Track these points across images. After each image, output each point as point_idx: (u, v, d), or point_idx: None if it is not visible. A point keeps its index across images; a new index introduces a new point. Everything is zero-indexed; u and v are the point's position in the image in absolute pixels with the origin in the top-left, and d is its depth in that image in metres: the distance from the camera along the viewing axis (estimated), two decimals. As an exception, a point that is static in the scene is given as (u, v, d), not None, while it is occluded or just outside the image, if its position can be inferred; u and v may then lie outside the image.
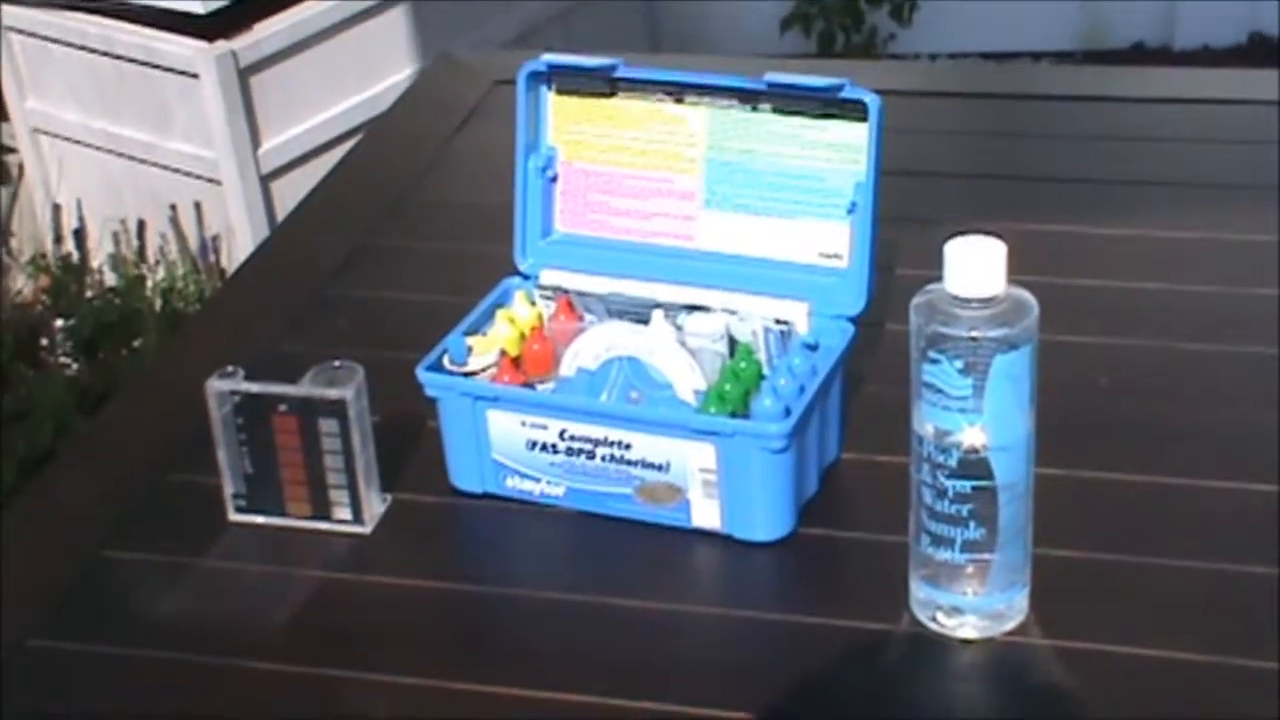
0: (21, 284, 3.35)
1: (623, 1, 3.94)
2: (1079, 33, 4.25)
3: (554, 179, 1.44)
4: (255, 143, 3.10)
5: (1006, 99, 2.09)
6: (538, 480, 1.33)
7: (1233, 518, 1.29)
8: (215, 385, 1.31)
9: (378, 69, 3.27)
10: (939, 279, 1.12)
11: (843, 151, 1.34)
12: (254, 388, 1.31)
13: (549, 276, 1.41)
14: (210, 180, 3.15)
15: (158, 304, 3.17)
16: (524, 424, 1.31)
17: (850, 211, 1.34)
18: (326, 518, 1.33)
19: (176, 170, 3.21)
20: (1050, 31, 4.24)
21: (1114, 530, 1.28)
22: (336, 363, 1.32)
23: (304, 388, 1.30)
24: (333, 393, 1.29)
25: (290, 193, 3.08)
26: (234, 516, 1.35)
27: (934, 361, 1.11)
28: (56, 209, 3.38)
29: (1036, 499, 1.16)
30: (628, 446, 1.28)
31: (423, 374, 1.33)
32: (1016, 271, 1.11)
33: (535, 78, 1.41)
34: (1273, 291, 1.55)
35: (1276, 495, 1.29)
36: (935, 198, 1.78)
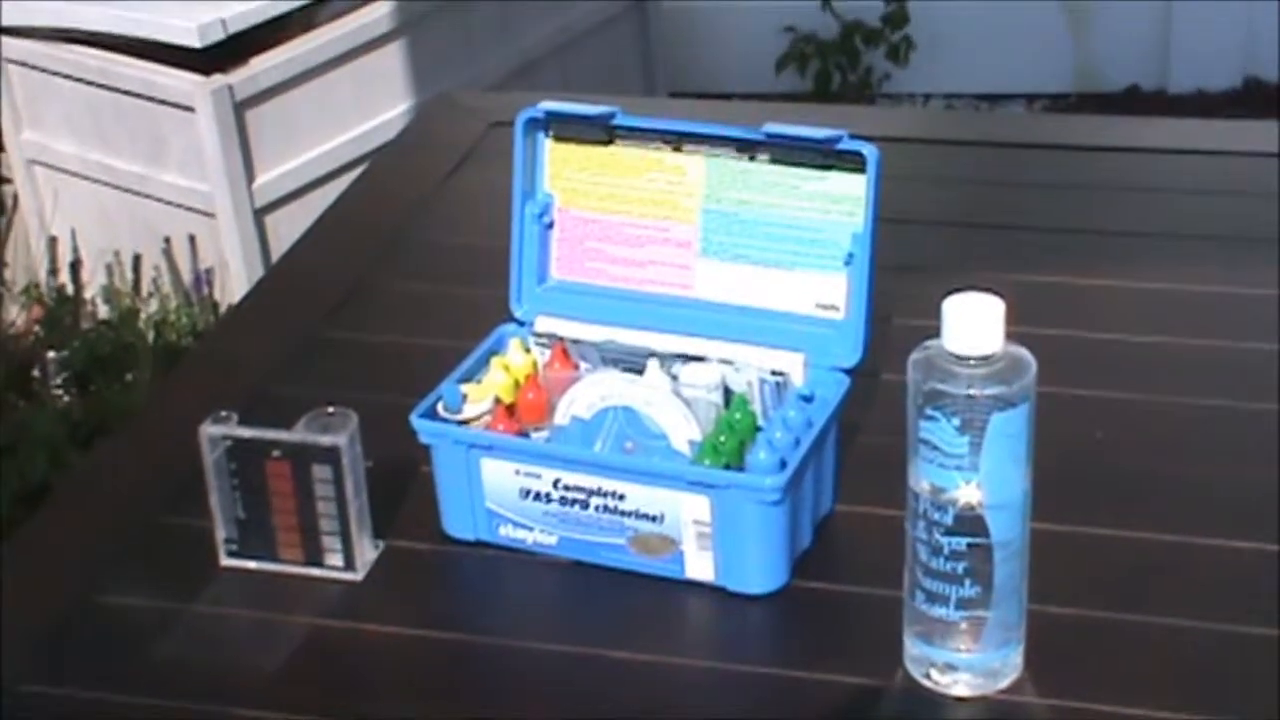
0: (14, 315, 3.35)
1: (619, 40, 3.94)
2: (1073, 75, 4.26)
3: (550, 225, 1.43)
4: (250, 176, 3.10)
5: (1002, 147, 2.09)
6: (531, 529, 1.32)
7: (1230, 577, 1.28)
8: (208, 430, 1.31)
9: (373, 104, 3.27)
10: (933, 329, 1.12)
11: (840, 203, 1.34)
12: (247, 433, 1.30)
13: (544, 324, 1.41)
14: (204, 213, 3.15)
15: (150, 337, 3.17)
16: (518, 472, 1.31)
17: (847, 263, 1.34)
18: (319, 564, 1.33)
19: (171, 203, 3.20)
20: (1045, 74, 4.26)
21: (1110, 588, 1.28)
22: (330, 408, 1.31)
23: (297, 434, 1.30)
24: (326, 439, 1.29)
25: (285, 227, 3.08)
26: (225, 561, 1.34)
27: (931, 418, 1.10)
28: (53, 241, 3.38)
29: (1031, 555, 1.16)
30: (621, 497, 1.28)
31: (417, 421, 1.33)
32: (1009, 322, 1.11)
33: (532, 124, 1.41)
34: (1268, 346, 1.55)
35: (1274, 555, 1.29)
36: (929, 246, 1.78)
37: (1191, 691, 1.18)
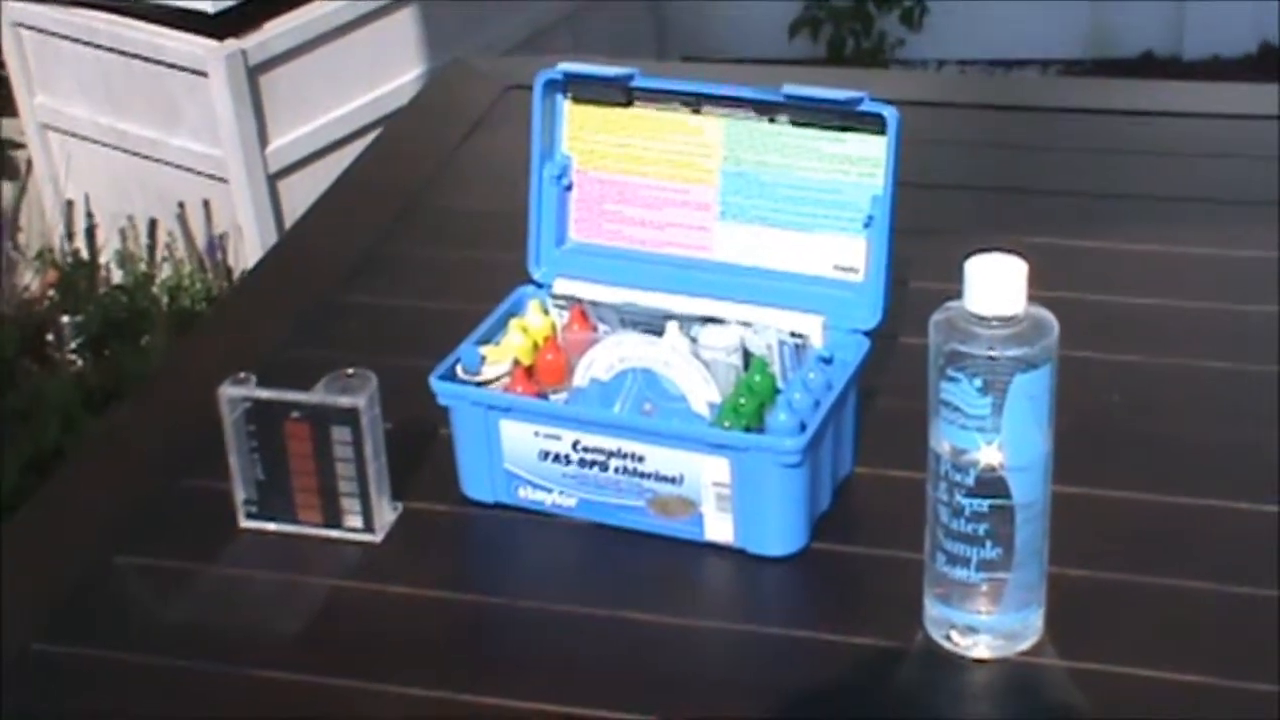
0: (29, 280, 3.35)
1: (630, 5, 3.93)
2: (1087, 41, 4.25)
3: (569, 187, 1.43)
4: (263, 141, 3.10)
5: (1017, 111, 2.09)
6: (550, 491, 1.32)
7: (1251, 539, 1.28)
8: (228, 391, 1.31)
9: (386, 69, 3.27)
10: (950, 292, 1.12)
11: (860, 165, 1.33)
12: (266, 394, 1.31)
13: (563, 286, 1.41)
14: (218, 178, 3.15)
15: (164, 302, 3.17)
16: (537, 434, 1.31)
17: (867, 225, 1.34)
18: (338, 525, 1.33)
19: (184, 168, 3.21)
20: (1059, 40, 4.24)
21: (1131, 550, 1.28)
22: (349, 370, 1.31)
23: (317, 395, 1.30)
24: (345, 401, 1.29)
25: (298, 192, 3.08)
26: (245, 523, 1.35)
27: (952, 380, 1.10)
28: (69, 205, 3.38)
29: (1052, 517, 1.16)
30: (641, 459, 1.28)
31: (436, 383, 1.33)
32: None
33: (551, 86, 1.41)
34: (1284, 309, 1.55)
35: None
36: (945, 210, 1.77)
37: (1212, 655, 1.18)
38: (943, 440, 1.13)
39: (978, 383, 1.09)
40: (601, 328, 1.38)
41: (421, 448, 1.40)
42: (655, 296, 1.37)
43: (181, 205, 3.23)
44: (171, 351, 2.71)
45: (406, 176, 1.95)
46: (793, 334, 1.33)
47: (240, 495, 1.34)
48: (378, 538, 1.33)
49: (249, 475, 1.33)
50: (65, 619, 1.28)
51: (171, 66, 3.10)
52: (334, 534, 1.33)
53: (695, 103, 1.38)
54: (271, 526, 1.34)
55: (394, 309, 1.67)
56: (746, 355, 1.33)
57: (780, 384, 1.32)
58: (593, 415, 1.30)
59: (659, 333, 1.34)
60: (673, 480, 1.28)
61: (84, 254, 3.31)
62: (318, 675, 1.21)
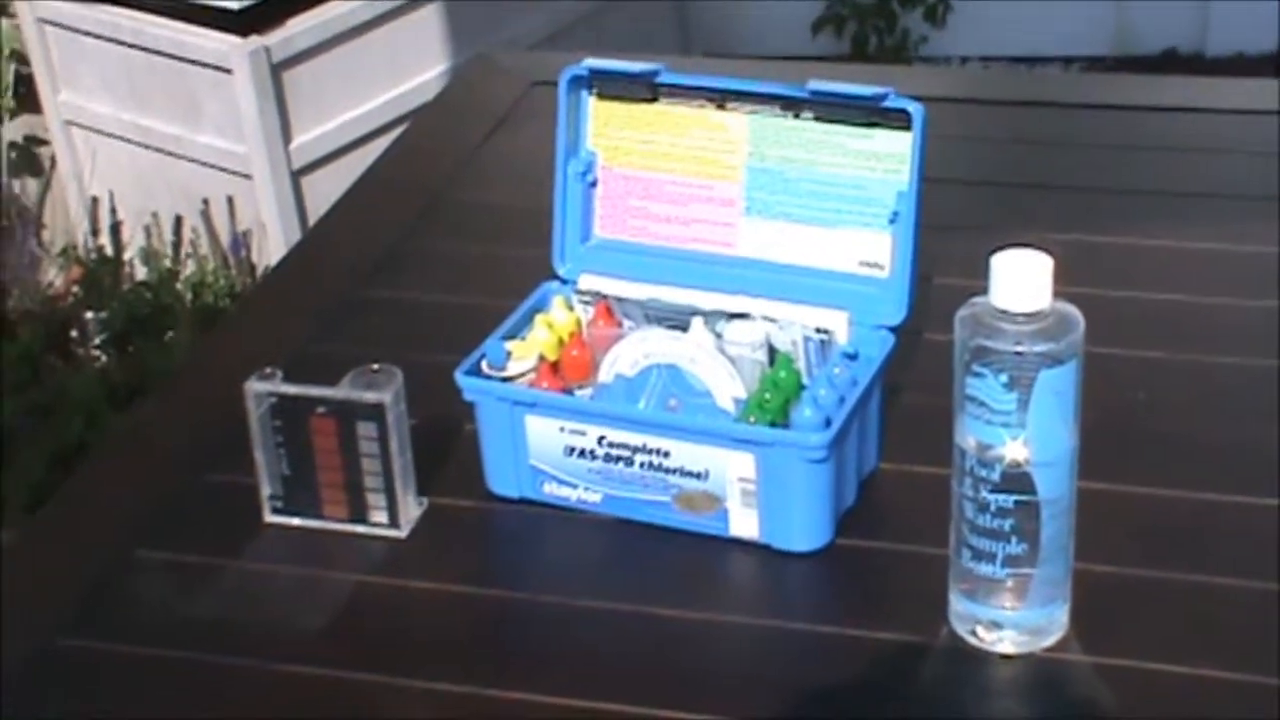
0: (53, 276, 3.36)
1: (653, 3, 3.93)
2: (1111, 38, 4.24)
3: (594, 184, 1.43)
4: (286, 138, 3.11)
5: (1040, 107, 2.08)
6: (575, 486, 1.32)
7: (1278, 536, 1.28)
8: (254, 386, 1.31)
9: (409, 66, 3.27)
10: (974, 288, 1.12)
11: (885, 160, 1.33)
12: (292, 389, 1.31)
13: (588, 282, 1.41)
14: (241, 175, 3.15)
15: (188, 298, 3.18)
16: (562, 430, 1.31)
17: (892, 221, 1.33)
18: (363, 521, 1.33)
19: (208, 164, 3.21)
20: (1082, 36, 4.23)
21: (1157, 546, 1.27)
22: (375, 366, 1.32)
23: (343, 390, 1.30)
24: (371, 396, 1.29)
25: (321, 188, 3.08)
26: (270, 518, 1.35)
27: (978, 375, 1.10)
28: (94, 202, 3.38)
29: (1078, 513, 1.16)
30: (666, 454, 1.28)
31: (461, 378, 1.33)
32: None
33: (576, 82, 1.41)
34: (1313, 306, 1.54)
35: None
36: (966, 206, 1.77)
37: (1238, 650, 1.17)
38: (968, 436, 1.12)
39: (1003, 378, 1.09)
40: (626, 323, 1.38)
41: (447, 443, 1.40)
42: (680, 292, 1.37)
43: (205, 202, 3.24)
44: (196, 348, 2.71)
45: (430, 172, 1.95)
46: (818, 330, 1.33)
47: (265, 490, 1.34)
48: (403, 533, 1.33)
49: (274, 470, 1.33)
50: (89, 614, 1.28)
51: (195, 63, 3.10)
52: (359, 529, 1.33)
53: (720, 99, 1.38)
54: (296, 522, 1.34)
55: (419, 305, 1.67)
56: (771, 351, 1.33)
57: (805, 380, 1.32)
58: (618, 411, 1.30)
59: (684, 328, 1.34)
60: (698, 476, 1.28)
61: (108, 250, 3.31)
62: (342, 670, 1.22)
